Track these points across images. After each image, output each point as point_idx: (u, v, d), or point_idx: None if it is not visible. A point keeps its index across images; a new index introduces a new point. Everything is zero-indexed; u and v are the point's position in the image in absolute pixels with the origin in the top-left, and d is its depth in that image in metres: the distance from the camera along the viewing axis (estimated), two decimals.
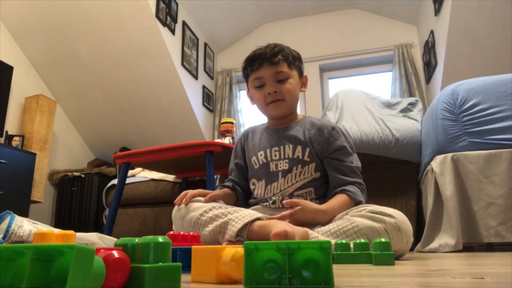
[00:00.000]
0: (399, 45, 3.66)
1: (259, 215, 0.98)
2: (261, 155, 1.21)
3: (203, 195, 1.10)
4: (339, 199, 1.09)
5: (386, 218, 0.92)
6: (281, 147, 1.19)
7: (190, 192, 1.10)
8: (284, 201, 1.05)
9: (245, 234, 0.94)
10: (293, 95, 1.19)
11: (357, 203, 1.08)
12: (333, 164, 1.16)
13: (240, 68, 4.45)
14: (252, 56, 1.19)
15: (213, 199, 1.10)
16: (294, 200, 1.04)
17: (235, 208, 1.03)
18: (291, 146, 1.18)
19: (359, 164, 1.19)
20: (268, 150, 1.20)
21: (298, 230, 0.87)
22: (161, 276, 0.36)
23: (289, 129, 1.22)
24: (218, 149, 1.71)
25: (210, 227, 0.98)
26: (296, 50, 1.24)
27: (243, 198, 1.27)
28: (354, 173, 1.15)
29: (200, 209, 1.02)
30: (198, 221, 1.01)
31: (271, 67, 1.15)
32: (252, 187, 1.24)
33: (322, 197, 1.16)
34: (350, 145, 1.20)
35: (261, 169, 1.21)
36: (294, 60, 1.19)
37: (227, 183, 1.28)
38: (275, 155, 1.19)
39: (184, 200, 1.09)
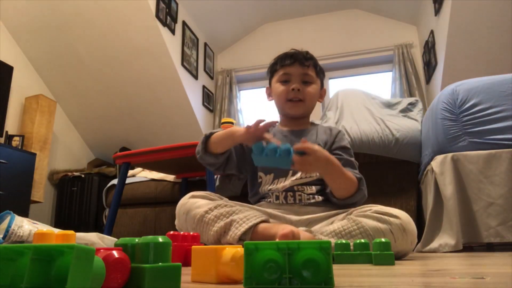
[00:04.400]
0: (399, 45, 3.66)
1: (264, 217, 0.98)
2: None
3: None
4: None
5: (392, 219, 0.93)
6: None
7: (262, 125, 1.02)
8: (295, 146, 0.97)
9: (248, 236, 0.94)
10: (312, 99, 1.25)
11: (358, 180, 1.10)
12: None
13: (240, 68, 4.45)
14: (285, 54, 1.26)
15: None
16: (307, 145, 0.97)
17: (240, 207, 1.03)
18: None
19: (357, 163, 1.22)
20: None
21: (304, 234, 0.89)
22: (161, 276, 0.36)
23: (305, 132, 1.27)
24: None
25: (214, 228, 0.98)
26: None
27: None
28: (354, 167, 1.18)
29: (205, 207, 1.02)
30: (203, 218, 1.00)
31: (301, 68, 1.21)
32: (258, 180, 1.23)
33: (322, 196, 1.17)
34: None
35: None
36: (320, 71, 1.28)
37: None
38: None
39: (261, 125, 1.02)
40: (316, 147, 0.99)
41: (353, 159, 1.21)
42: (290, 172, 1.19)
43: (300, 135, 1.25)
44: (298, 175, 1.17)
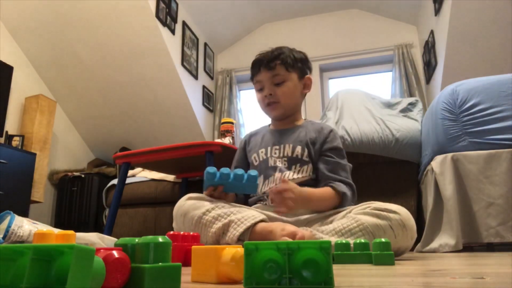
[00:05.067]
0: (399, 45, 3.66)
1: (262, 217, 0.98)
2: (262, 152, 1.25)
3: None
4: (322, 189, 1.11)
5: (391, 215, 0.93)
6: (282, 146, 1.22)
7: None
8: (271, 189, 1.03)
9: (247, 237, 0.94)
10: (290, 97, 1.23)
11: (341, 195, 1.09)
12: (324, 161, 1.18)
13: (240, 68, 4.47)
14: (253, 62, 1.27)
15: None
16: (284, 186, 1.00)
17: (238, 208, 1.03)
18: (291, 145, 1.21)
19: (350, 166, 1.21)
20: (269, 148, 1.24)
21: (304, 232, 0.89)
22: (161, 276, 0.36)
23: (292, 131, 1.26)
24: (218, 149, 1.71)
25: (212, 229, 0.98)
26: (301, 51, 1.30)
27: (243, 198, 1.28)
28: (344, 171, 1.17)
29: (202, 208, 1.02)
30: (201, 220, 1.00)
31: (268, 72, 1.21)
32: None
33: None
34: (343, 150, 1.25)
35: (261, 165, 1.23)
36: (295, 63, 1.23)
37: None
38: (275, 153, 1.22)
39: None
40: (292, 185, 1.01)
41: (344, 161, 1.19)
42: (277, 169, 1.18)
43: (287, 134, 1.26)
44: (290, 176, 1.17)
